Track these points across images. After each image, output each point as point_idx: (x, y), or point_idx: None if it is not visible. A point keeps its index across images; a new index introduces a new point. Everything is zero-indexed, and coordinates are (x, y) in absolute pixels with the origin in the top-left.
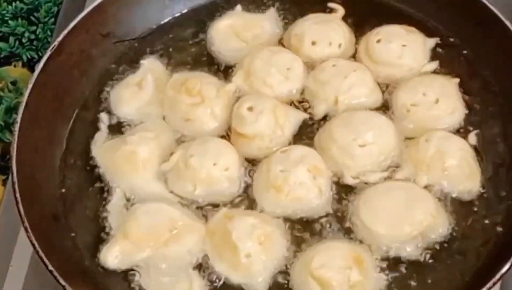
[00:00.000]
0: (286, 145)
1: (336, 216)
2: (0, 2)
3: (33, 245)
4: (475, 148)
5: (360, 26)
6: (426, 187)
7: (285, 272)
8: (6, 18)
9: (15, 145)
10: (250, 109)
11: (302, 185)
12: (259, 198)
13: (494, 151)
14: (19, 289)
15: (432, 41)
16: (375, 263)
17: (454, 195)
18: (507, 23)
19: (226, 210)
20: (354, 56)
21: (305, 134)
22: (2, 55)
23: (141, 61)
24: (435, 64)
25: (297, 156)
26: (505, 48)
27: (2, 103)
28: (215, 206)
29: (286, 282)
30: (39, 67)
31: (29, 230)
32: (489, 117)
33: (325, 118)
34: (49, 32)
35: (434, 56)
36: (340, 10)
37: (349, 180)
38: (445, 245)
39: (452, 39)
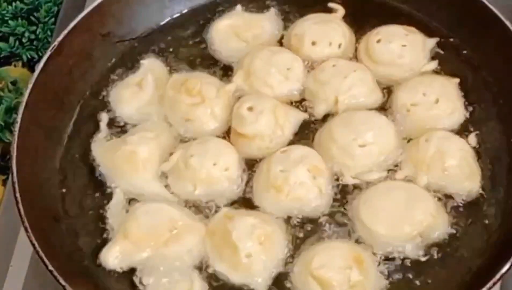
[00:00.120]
0: (286, 145)
1: (336, 216)
2: (0, 2)
3: (33, 245)
4: (475, 148)
5: (360, 26)
6: (426, 187)
7: (285, 272)
8: (6, 18)
9: (15, 145)
10: (250, 109)
11: (302, 185)
12: (259, 198)
13: (494, 151)
14: (19, 289)
15: (432, 41)
16: (375, 263)
17: (454, 195)
18: (507, 23)
19: (226, 210)
20: (354, 56)
21: (305, 134)
22: (2, 55)
23: (141, 61)
24: (435, 64)
25: (297, 156)
26: (505, 48)
27: (2, 103)
28: (215, 206)
29: (287, 282)
30: (39, 67)
31: (29, 230)
32: (489, 117)
33: (325, 118)
34: (49, 32)
35: (434, 56)
36: (340, 10)
37: (349, 180)
38: (445, 245)
39: (452, 39)
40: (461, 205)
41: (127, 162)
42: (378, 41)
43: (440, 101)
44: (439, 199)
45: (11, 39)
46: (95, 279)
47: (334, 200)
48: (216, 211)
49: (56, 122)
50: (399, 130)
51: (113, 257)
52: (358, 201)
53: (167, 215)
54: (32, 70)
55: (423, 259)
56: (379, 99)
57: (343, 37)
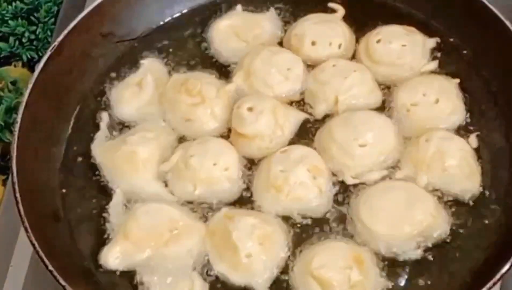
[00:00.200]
0: (286, 145)
1: (336, 216)
2: (0, 2)
3: (33, 245)
4: (475, 148)
5: (360, 26)
6: (426, 187)
7: (285, 272)
8: (6, 18)
9: (15, 145)
10: (250, 109)
11: (302, 185)
12: (259, 198)
13: (494, 151)
14: (19, 289)
15: (432, 41)
16: (375, 263)
17: (454, 195)
18: (507, 23)
19: (226, 210)
20: (354, 56)
21: (305, 134)
22: (2, 55)
23: (141, 61)
24: (435, 64)
25: (297, 156)
26: (505, 48)
27: (2, 103)
28: (215, 206)
29: (287, 282)
30: (39, 67)
31: (29, 230)
32: (489, 117)
33: (325, 118)
34: (49, 32)
35: (434, 56)
36: (340, 10)
37: (349, 180)
38: (445, 245)
39: (452, 39)
40: (461, 205)
41: (127, 162)
42: (378, 41)
43: (440, 101)
44: (439, 199)
45: (11, 39)
46: (95, 279)
47: (334, 200)
48: (216, 211)
49: (56, 122)
50: (399, 130)
51: (113, 257)
52: (358, 201)
53: (167, 215)
54: (32, 70)
55: (423, 259)
56: (379, 99)
57: (343, 37)
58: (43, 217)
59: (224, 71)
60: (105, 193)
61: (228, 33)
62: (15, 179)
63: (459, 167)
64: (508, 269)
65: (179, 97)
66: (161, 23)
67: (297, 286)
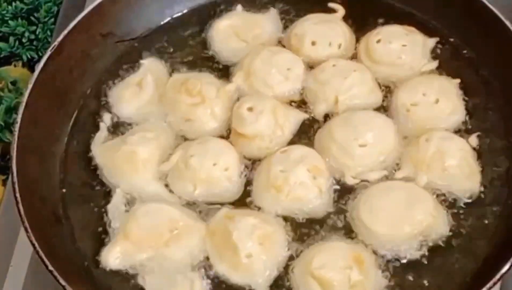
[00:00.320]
0: (286, 145)
1: (336, 216)
2: (0, 2)
3: (33, 245)
4: (475, 148)
5: (360, 26)
6: (426, 187)
7: (285, 272)
8: (6, 18)
9: (15, 145)
10: (250, 109)
11: (302, 185)
12: (259, 198)
13: (494, 151)
14: (19, 289)
15: (432, 41)
16: (375, 263)
17: (454, 195)
18: (507, 23)
19: (227, 210)
20: (354, 56)
21: (305, 134)
22: (2, 55)
23: (141, 61)
24: (435, 64)
25: (297, 156)
26: (505, 48)
27: (2, 103)
28: (215, 206)
29: (287, 282)
30: (39, 67)
31: (29, 230)
32: (489, 117)
33: (325, 118)
34: (49, 32)
35: (434, 56)
36: (340, 10)
37: (349, 180)
38: (445, 245)
39: (452, 39)
40: (461, 205)
41: (127, 162)
42: (378, 41)
43: (440, 101)
44: (439, 199)
45: (11, 39)
46: (95, 279)
47: (334, 200)
48: (216, 211)
49: (56, 122)
50: (399, 130)
51: (113, 258)
52: (358, 201)
53: (167, 215)
54: (32, 70)
55: (423, 259)
56: (379, 99)
57: (343, 37)
58: (43, 217)
59: (224, 71)
60: (105, 193)
61: (228, 33)
62: (15, 179)
63: (459, 167)
64: (508, 269)
65: (179, 97)
66: (161, 23)
67: (297, 286)
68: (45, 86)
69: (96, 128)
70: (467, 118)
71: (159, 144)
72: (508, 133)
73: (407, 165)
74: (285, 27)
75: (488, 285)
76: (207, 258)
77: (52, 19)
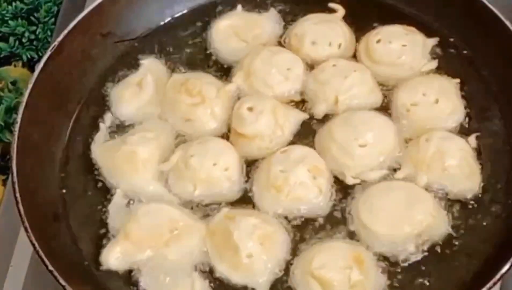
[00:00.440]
0: (286, 145)
1: (336, 216)
2: (0, 2)
3: (33, 245)
4: (475, 148)
5: (360, 26)
6: (426, 187)
7: (286, 272)
8: (6, 18)
9: (15, 145)
10: (250, 109)
11: (302, 185)
12: (259, 198)
13: (494, 151)
14: (19, 289)
15: (432, 41)
16: (375, 263)
17: (454, 195)
18: (507, 23)
19: (227, 210)
20: (354, 56)
21: (305, 134)
22: (2, 55)
23: (141, 61)
24: (435, 64)
25: (297, 156)
26: (505, 48)
27: (2, 103)
28: (216, 206)
29: (287, 282)
30: (39, 67)
31: (29, 230)
32: (489, 117)
33: (325, 118)
34: (49, 32)
35: (434, 56)
36: (340, 10)
37: (349, 180)
38: (445, 245)
39: (452, 39)
40: (461, 205)
41: (127, 162)
42: (378, 41)
43: (440, 101)
44: (439, 199)
45: (11, 39)
46: (95, 279)
47: (334, 200)
48: (216, 211)
49: (56, 122)
50: (399, 130)
51: (114, 258)
52: (358, 201)
53: (167, 215)
54: (32, 70)
55: (423, 259)
56: (379, 99)
57: (343, 37)
58: (43, 217)
59: (224, 71)
60: (105, 193)
61: (228, 33)
62: (15, 179)
63: (459, 167)
64: (508, 269)
65: (179, 97)
66: (161, 23)
67: (298, 286)
68: (45, 86)
69: (96, 128)
70: (467, 118)
71: (159, 144)
72: (508, 133)
73: (407, 165)
74: (285, 27)
75: (488, 285)
76: (208, 258)
77: (52, 19)
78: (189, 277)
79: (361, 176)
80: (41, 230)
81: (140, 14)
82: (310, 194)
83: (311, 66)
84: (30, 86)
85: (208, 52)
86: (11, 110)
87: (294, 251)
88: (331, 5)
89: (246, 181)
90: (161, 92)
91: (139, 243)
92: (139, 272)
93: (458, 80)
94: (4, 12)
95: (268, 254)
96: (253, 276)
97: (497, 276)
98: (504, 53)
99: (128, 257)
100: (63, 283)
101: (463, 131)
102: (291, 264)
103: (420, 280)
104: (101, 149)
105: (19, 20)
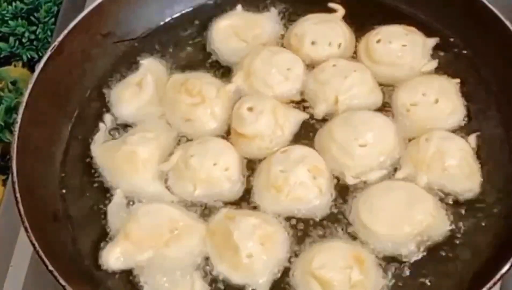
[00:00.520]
0: (286, 145)
1: (336, 216)
2: (0, 2)
3: (33, 245)
4: (475, 148)
5: (360, 26)
6: (426, 187)
7: (286, 273)
8: (6, 18)
9: (15, 145)
10: (250, 109)
11: (302, 185)
12: (259, 198)
13: (493, 151)
14: (19, 289)
15: (432, 41)
16: (375, 263)
17: (454, 195)
18: (507, 23)
19: (227, 210)
20: (354, 56)
21: (305, 134)
22: (2, 55)
23: (141, 61)
24: (435, 64)
25: (297, 156)
26: (505, 48)
27: (2, 103)
28: (216, 206)
29: (287, 282)
30: (39, 67)
31: (29, 230)
32: (489, 117)
33: (325, 118)
34: (49, 32)
35: (434, 56)
36: (340, 10)
37: (349, 180)
38: (445, 245)
39: (452, 39)
40: (461, 205)
41: (127, 163)
42: (378, 41)
43: (440, 101)
44: (439, 199)
45: (11, 39)
46: (95, 279)
47: (334, 200)
48: (216, 211)
49: (56, 122)
50: (399, 130)
51: (114, 258)
52: (358, 201)
53: (167, 215)
54: (32, 70)
55: (423, 259)
56: (379, 99)
57: (343, 37)
58: (43, 217)
59: (224, 71)
60: (105, 193)
61: (228, 33)
62: (15, 179)
63: (459, 167)
64: (508, 269)
65: (179, 97)
66: (161, 23)
67: (298, 286)
68: (45, 86)
69: (96, 128)
70: (466, 118)
71: (159, 144)
72: (508, 133)
73: (407, 165)
74: (285, 27)
75: (488, 285)
76: (208, 258)
77: (52, 19)
78: (189, 277)
79: (361, 176)
80: (41, 230)
81: (140, 14)
82: (310, 194)
83: (311, 66)
84: (30, 86)
85: (208, 52)
86: (11, 110)
87: (294, 251)
88: (331, 5)
89: (246, 181)
90: (161, 92)
91: (139, 243)
92: (139, 272)
93: (458, 80)
94: (4, 12)
95: (268, 254)
96: (253, 276)
97: (497, 276)
98: (504, 53)
99: (128, 257)
100: (63, 283)
101: (463, 131)
102: (291, 264)
103: (420, 280)
104: (101, 149)
105: (19, 20)
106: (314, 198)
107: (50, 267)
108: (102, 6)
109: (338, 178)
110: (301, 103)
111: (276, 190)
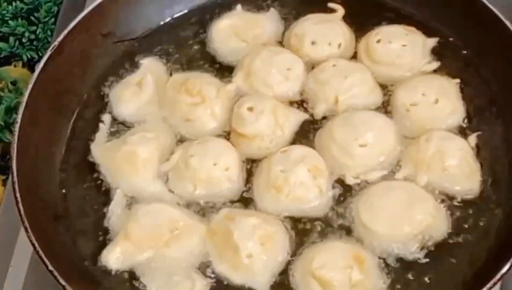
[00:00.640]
0: (286, 145)
1: (336, 216)
2: (0, 2)
3: (33, 245)
4: (475, 148)
5: (360, 26)
6: (426, 187)
7: (286, 273)
8: (6, 18)
9: (15, 145)
10: (250, 109)
11: (302, 185)
12: (259, 198)
13: (493, 150)
14: (19, 289)
15: (432, 41)
16: (375, 263)
17: (454, 195)
18: (507, 23)
19: (227, 210)
20: (354, 56)
21: (305, 134)
22: (2, 55)
23: (141, 61)
24: (435, 64)
25: (297, 156)
26: (505, 48)
27: (2, 103)
28: (216, 206)
29: (287, 282)
30: (39, 67)
31: (29, 230)
32: (488, 117)
33: (325, 118)
34: (49, 32)
35: (434, 56)
36: (340, 10)
37: (349, 180)
38: (445, 245)
39: (452, 39)
40: (461, 205)
41: (127, 163)
42: (378, 41)
43: (440, 101)
44: (439, 198)
45: (11, 39)
46: (95, 279)
47: (334, 200)
48: (216, 211)
49: (56, 122)
50: (399, 130)
51: (114, 258)
52: (358, 201)
53: (167, 215)
54: (32, 70)
55: (423, 259)
56: (379, 99)
57: (343, 37)
58: (43, 217)
59: (224, 71)
60: (105, 193)
61: (228, 33)
62: (15, 179)
63: (459, 167)
64: (508, 269)
65: (179, 97)
66: (161, 23)
67: (298, 286)
68: (45, 86)
69: (96, 128)
70: (466, 118)
71: (159, 144)
72: (507, 133)
73: (407, 165)
74: (285, 27)
75: (488, 285)
76: (208, 258)
77: (52, 19)
78: (189, 277)
79: (361, 176)
80: (41, 230)
81: (140, 14)
82: (310, 194)
83: (311, 66)
84: (30, 86)
85: (208, 52)
86: (11, 110)
87: (294, 251)
88: (331, 5)
89: (246, 181)
90: (161, 92)
91: (139, 243)
92: (139, 272)
93: (458, 80)
94: (4, 12)
95: (268, 254)
96: (253, 276)
97: (497, 276)
98: (504, 53)
99: (128, 257)
100: (63, 283)
101: (463, 131)
102: (291, 264)
103: (420, 279)
104: (101, 149)
105: (19, 20)
106: (314, 198)
107: (50, 267)
108: (102, 6)
109: (338, 178)
110: (301, 103)
111: (276, 190)
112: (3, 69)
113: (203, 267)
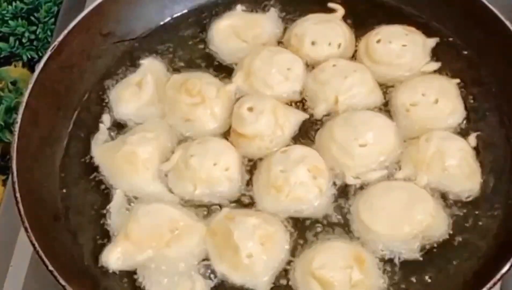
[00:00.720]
0: (286, 145)
1: (336, 216)
2: (0, 2)
3: (33, 245)
4: (475, 148)
5: (360, 26)
6: (426, 187)
7: (286, 273)
8: (6, 18)
9: (15, 145)
10: (250, 109)
11: (303, 185)
12: (259, 198)
13: (493, 151)
14: (19, 289)
15: (432, 41)
16: (375, 263)
17: (454, 195)
18: (507, 23)
19: (227, 210)
20: (354, 56)
21: (305, 134)
22: (2, 55)
23: (141, 61)
24: (435, 65)
25: (297, 156)
26: (505, 48)
27: (2, 103)
28: (216, 206)
29: (287, 282)
30: (39, 67)
31: (29, 230)
32: (489, 117)
33: (325, 118)
34: (49, 32)
35: (434, 56)
36: (340, 10)
37: (349, 180)
38: (445, 245)
39: (452, 39)
40: (461, 205)
41: (127, 163)
42: (378, 41)
43: (440, 101)
44: (439, 199)
45: (11, 39)
46: (95, 279)
47: (334, 200)
48: (216, 211)
49: (56, 122)
50: (399, 130)
51: (114, 258)
52: (358, 201)
53: (168, 215)
54: (32, 70)
55: (423, 259)
56: (379, 99)
57: (343, 37)
58: (43, 217)
59: (224, 71)
60: (105, 193)
61: (228, 33)
62: (15, 179)
63: (459, 167)
64: (508, 269)
65: (179, 97)
66: (161, 23)
67: (298, 286)
68: (45, 86)
69: (96, 128)
70: (466, 118)
71: (159, 144)
72: (508, 133)
73: (407, 165)
74: (285, 27)
75: (488, 285)
76: (208, 258)
77: (52, 19)
78: (189, 277)
79: (361, 176)
80: (41, 230)
81: (140, 14)
82: (310, 194)
83: (311, 66)
84: (30, 86)
85: (208, 52)
86: (11, 110)
87: (294, 251)
88: (331, 5)
89: (246, 181)
90: (161, 92)
91: (139, 243)
92: (140, 272)
93: (458, 80)
94: (4, 12)
95: (268, 254)
96: (253, 276)
97: (497, 276)
98: (504, 53)
99: (128, 257)
100: (63, 283)
101: (463, 131)
102: (291, 264)
103: (420, 279)
104: (101, 149)
105: (19, 20)
106: (314, 198)
107: (50, 267)
108: (102, 6)
109: (338, 178)
110: (301, 103)
111: (276, 190)
112: (3, 69)
113: (203, 267)
